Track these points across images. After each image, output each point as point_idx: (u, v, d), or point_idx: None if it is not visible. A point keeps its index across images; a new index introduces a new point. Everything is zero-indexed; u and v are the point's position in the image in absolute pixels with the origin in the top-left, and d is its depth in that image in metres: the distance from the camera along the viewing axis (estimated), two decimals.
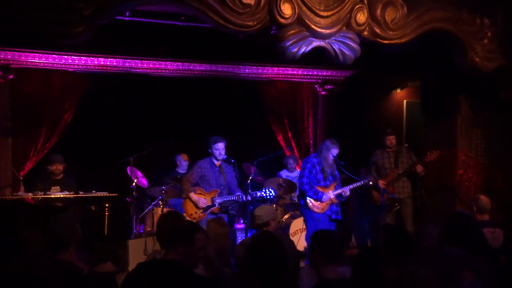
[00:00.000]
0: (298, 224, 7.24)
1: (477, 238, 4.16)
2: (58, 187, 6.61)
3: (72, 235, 3.28)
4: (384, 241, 3.23)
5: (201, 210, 6.17)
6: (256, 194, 6.33)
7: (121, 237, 6.21)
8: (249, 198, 6.19)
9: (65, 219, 3.32)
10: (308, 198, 6.31)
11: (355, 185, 6.38)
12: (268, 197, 6.48)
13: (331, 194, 6.29)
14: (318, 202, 6.28)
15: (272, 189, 6.47)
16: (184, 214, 6.21)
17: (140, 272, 1.96)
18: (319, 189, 6.29)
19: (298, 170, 7.64)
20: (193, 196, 6.18)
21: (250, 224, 5.09)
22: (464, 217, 3.78)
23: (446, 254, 3.45)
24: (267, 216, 4.81)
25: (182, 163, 7.83)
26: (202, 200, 6.17)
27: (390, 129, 7.27)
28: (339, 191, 6.33)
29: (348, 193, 6.37)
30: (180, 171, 7.76)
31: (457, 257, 3.34)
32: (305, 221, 6.52)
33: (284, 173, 8.06)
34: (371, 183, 6.46)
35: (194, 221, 6.10)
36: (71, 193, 6.48)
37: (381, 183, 6.86)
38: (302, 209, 6.55)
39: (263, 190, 6.39)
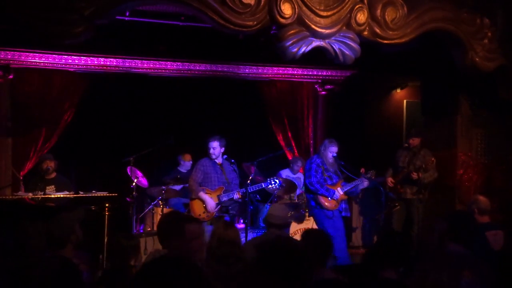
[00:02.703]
0: (298, 224, 7.23)
1: (479, 240, 4.14)
2: (52, 186, 6.62)
3: (69, 235, 3.29)
4: (382, 245, 3.22)
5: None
6: (261, 186, 6.30)
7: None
8: (250, 189, 6.15)
9: (63, 219, 3.33)
10: (320, 196, 6.29)
11: (361, 182, 6.37)
12: (274, 187, 6.40)
13: (340, 191, 6.32)
14: (330, 200, 6.29)
15: (276, 178, 6.41)
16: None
17: (145, 271, 1.97)
18: (328, 187, 6.32)
19: (301, 173, 7.63)
20: (204, 195, 6.17)
21: (265, 223, 5.00)
22: (468, 216, 3.78)
23: (447, 253, 3.45)
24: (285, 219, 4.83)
25: (186, 163, 7.81)
26: (211, 201, 6.15)
27: (414, 130, 7.13)
28: (347, 187, 6.35)
29: (365, 183, 6.36)
30: (182, 170, 7.75)
31: (459, 255, 3.34)
32: (319, 222, 6.44)
33: (285, 173, 8.04)
34: (373, 177, 6.40)
35: (203, 221, 6.11)
36: (71, 192, 6.49)
37: (389, 180, 6.86)
38: (314, 211, 6.43)
39: (268, 181, 6.34)
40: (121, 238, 3.72)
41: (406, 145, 6.91)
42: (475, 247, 3.60)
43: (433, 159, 6.57)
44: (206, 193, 6.21)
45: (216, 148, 6.27)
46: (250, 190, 6.11)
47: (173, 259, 2.20)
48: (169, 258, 2.81)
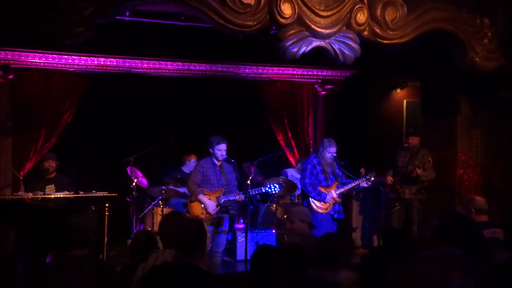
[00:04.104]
0: None
1: (476, 239, 4.14)
2: (52, 185, 6.62)
3: (91, 235, 3.28)
4: (384, 244, 3.23)
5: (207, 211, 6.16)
6: (261, 190, 6.29)
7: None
8: (251, 192, 6.14)
9: (87, 217, 3.31)
10: (311, 199, 6.31)
11: (359, 182, 6.36)
12: (273, 192, 6.39)
13: (333, 193, 6.31)
14: (321, 203, 6.29)
15: (276, 183, 6.41)
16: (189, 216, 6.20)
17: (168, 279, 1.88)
18: (322, 189, 6.30)
19: None
20: (203, 198, 6.14)
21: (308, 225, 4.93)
22: (460, 216, 3.77)
23: (438, 254, 3.44)
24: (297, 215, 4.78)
25: (190, 163, 7.78)
26: (211, 203, 6.14)
27: (412, 129, 7.12)
28: (341, 190, 6.35)
29: (364, 185, 6.39)
30: (186, 170, 7.73)
31: (450, 256, 3.34)
32: None
33: (290, 172, 8.03)
34: (372, 178, 6.40)
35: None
36: (71, 192, 6.49)
37: (389, 179, 6.86)
38: None
39: (267, 185, 6.34)
40: (140, 234, 3.74)
41: (406, 145, 6.91)
42: (471, 247, 3.59)
43: (430, 159, 6.58)
44: (206, 194, 6.19)
45: (225, 149, 6.24)
46: (251, 193, 6.12)
47: (198, 269, 2.19)
48: (194, 267, 2.81)
